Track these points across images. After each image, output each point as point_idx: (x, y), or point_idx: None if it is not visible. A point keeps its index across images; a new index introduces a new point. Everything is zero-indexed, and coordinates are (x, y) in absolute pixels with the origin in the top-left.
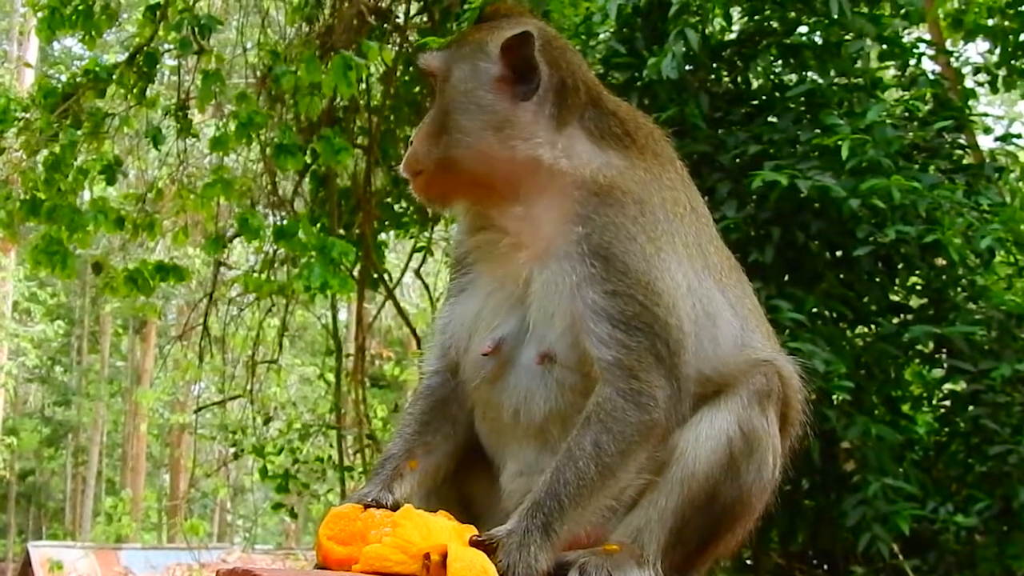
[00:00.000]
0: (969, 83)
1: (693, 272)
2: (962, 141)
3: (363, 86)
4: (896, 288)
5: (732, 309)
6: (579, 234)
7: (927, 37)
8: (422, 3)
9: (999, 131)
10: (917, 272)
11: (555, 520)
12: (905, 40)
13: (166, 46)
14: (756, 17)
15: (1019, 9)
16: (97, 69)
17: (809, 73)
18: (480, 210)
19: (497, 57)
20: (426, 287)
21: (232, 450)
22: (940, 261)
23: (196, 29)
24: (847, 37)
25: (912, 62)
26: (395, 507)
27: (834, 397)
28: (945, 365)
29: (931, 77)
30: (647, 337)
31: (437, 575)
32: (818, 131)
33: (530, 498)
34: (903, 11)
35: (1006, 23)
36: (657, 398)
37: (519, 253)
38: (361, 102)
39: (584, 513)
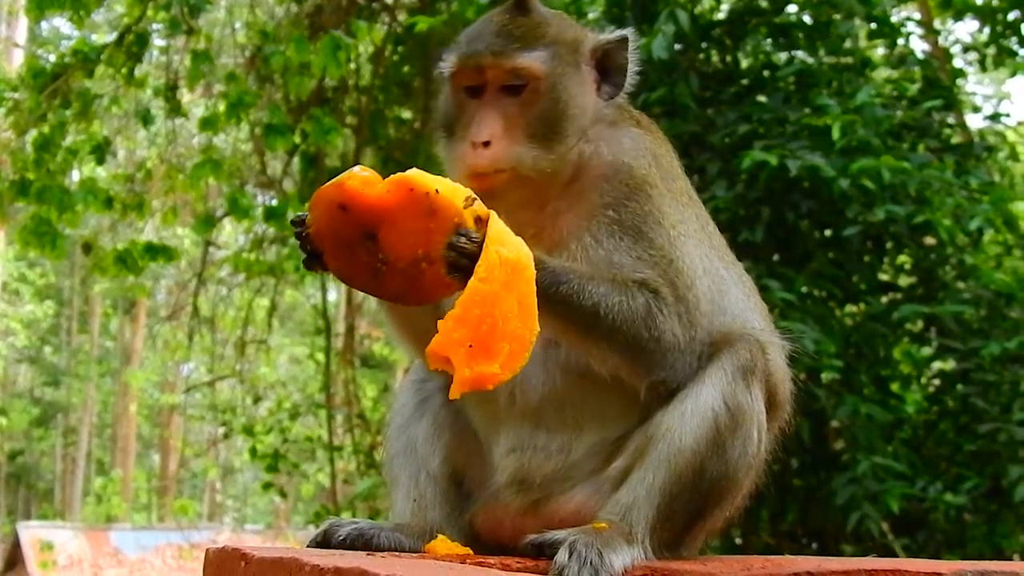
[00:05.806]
0: (958, 62)
1: (705, 254)
2: (951, 120)
3: (352, 66)
4: (885, 267)
5: (737, 287)
6: (609, 217)
7: (916, 16)
8: None
9: (988, 110)
10: (906, 251)
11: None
12: (894, 19)
13: (155, 26)
14: None
15: None
16: (86, 49)
17: (799, 53)
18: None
19: (591, 60)
20: None
21: (222, 430)
22: (930, 240)
23: (185, 9)
24: (836, 16)
25: (901, 41)
26: None
27: (823, 376)
28: (934, 344)
29: (920, 56)
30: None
31: (471, 217)
32: (808, 111)
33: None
34: None
35: (995, 2)
36: (669, 321)
37: (530, 239)
38: (350, 82)
39: (555, 307)
